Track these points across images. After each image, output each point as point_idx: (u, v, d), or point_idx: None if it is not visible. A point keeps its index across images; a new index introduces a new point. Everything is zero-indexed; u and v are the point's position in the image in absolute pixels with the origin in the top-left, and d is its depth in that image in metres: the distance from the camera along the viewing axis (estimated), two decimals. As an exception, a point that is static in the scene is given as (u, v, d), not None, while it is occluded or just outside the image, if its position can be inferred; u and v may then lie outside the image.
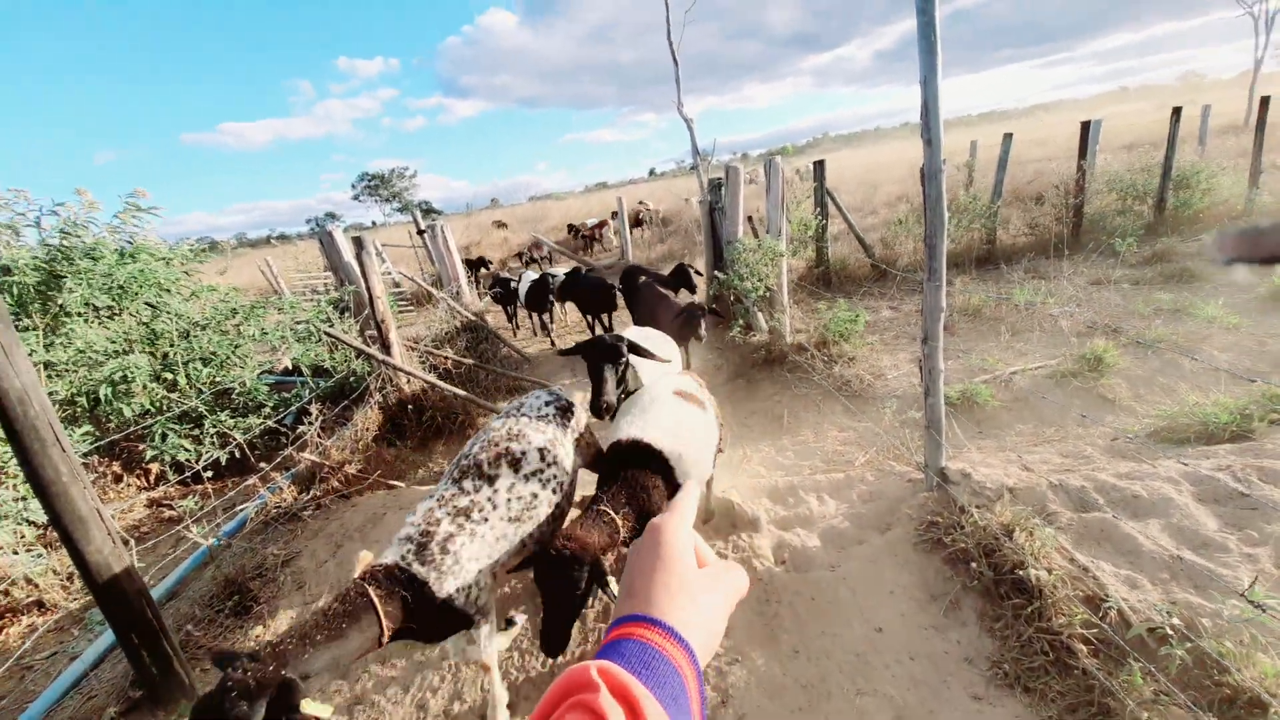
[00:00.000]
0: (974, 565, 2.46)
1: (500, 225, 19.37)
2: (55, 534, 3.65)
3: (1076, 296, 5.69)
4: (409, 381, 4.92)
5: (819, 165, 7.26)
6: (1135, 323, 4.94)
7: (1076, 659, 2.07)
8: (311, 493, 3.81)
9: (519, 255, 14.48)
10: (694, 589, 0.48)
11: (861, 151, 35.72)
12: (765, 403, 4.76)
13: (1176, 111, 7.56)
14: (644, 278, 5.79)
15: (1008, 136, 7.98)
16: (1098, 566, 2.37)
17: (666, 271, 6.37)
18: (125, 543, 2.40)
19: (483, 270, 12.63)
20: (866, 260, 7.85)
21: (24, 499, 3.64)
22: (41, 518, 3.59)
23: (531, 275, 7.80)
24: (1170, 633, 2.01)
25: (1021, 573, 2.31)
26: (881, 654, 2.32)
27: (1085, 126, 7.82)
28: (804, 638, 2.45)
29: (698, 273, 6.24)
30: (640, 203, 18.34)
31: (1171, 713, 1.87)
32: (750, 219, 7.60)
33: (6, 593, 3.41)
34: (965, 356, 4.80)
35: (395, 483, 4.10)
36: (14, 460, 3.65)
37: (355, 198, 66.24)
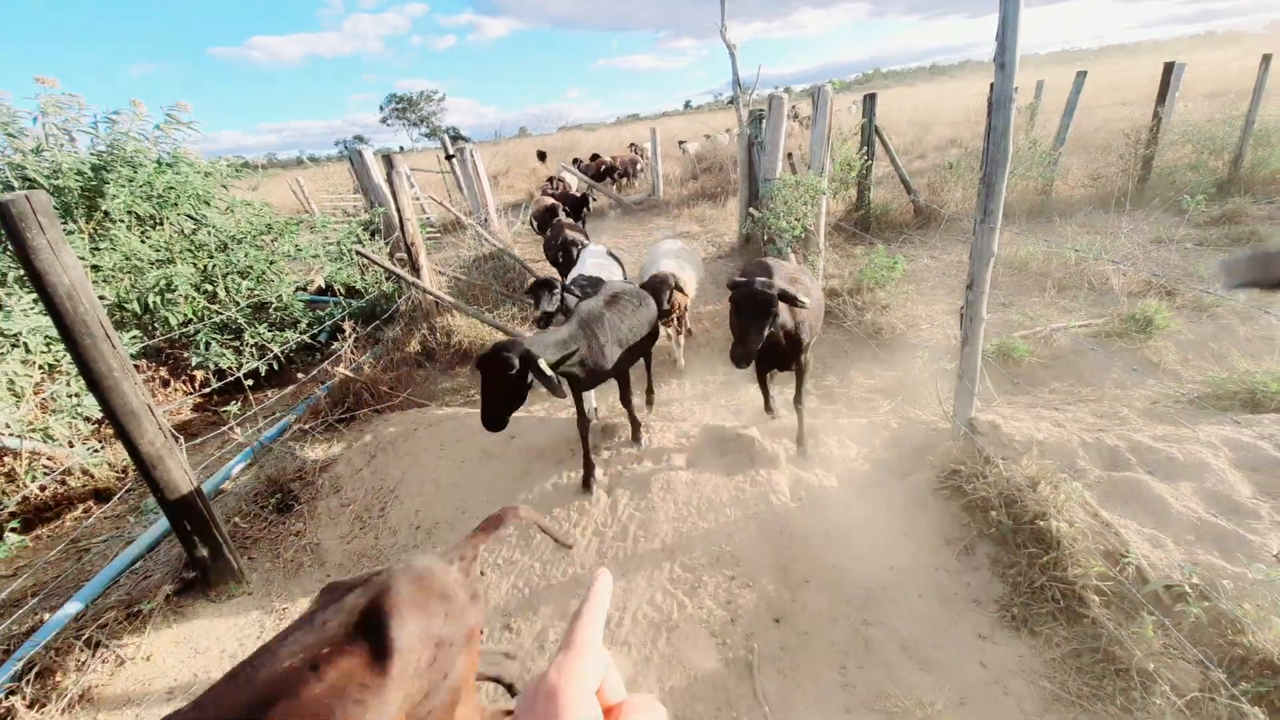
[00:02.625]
0: (993, 514, 2.46)
1: (542, 156, 18.27)
2: (110, 429, 3.89)
3: (1133, 254, 5.39)
4: (437, 305, 4.96)
5: (870, 99, 6.82)
6: (1193, 285, 4.68)
7: (1088, 608, 2.09)
8: (345, 406, 3.96)
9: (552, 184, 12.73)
10: None
11: (914, 90, 33.41)
12: (792, 346, 4.70)
13: (1266, 59, 6.83)
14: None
15: (1081, 74, 7.35)
16: (1121, 523, 2.35)
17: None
18: (175, 439, 2.53)
19: (585, 210, 9.03)
20: (909, 206, 7.50)
21: (78, 395, 3.84)
22: (94, 413, 3.81)
23: (593, 252, 4.67)
24: (1188, 591, 2.01)
25: (1041, 523, 2.31)
26: (891, 590, 2.38)
27: (1168, 69, 7.15)
28: (815, 569, 2.52)
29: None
30: (631, 145, 16.83)
31: (1179, 666, 1.89)
32: (790, 156, 7.27)
33: (63, 481, 3.67)
34: (1005, 310, 4.63)
35: (424, 401, 4.22)
36: (68, 358, 3.85)
37: (383, 120, 65.08)
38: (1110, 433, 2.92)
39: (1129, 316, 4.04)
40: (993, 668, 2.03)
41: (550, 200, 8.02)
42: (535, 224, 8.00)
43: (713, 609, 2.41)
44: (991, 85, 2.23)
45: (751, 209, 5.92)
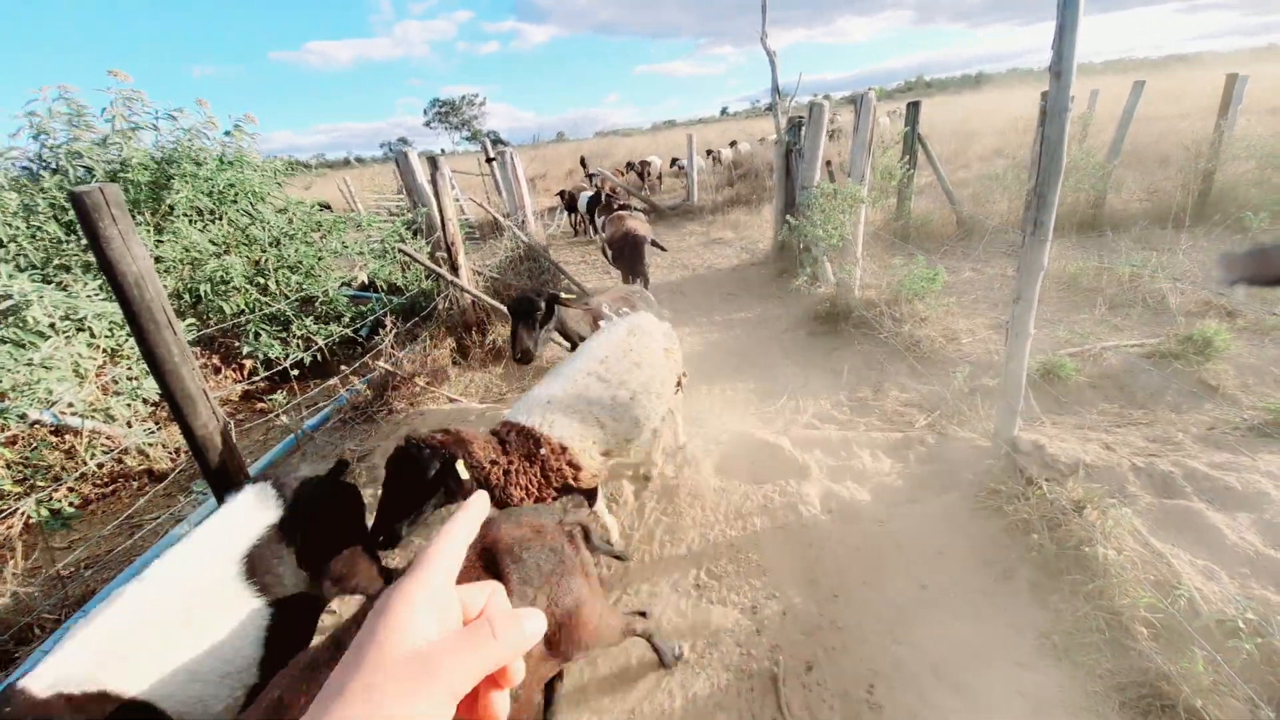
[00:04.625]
0: (1035, 537, 2.38)
1: (584, 163, 18.20)
2: (166, 411, 4.08)
3: (1192, 272, 5.14)
4: (474, 304, 5.06)
5: (913, 107, 6.70)
6: (1255, 306, 4.44)
7: (1135, 640, 2.00)
8: (384, 398, 4.08)
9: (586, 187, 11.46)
10: (377, 693, 0.34)
11: (959, 99, 32.60)
12: (824, 356, 4.64)
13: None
14: None
15: (1139, 84, 7.07)
16: (1173, 553, 2.25)
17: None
18: (226, 424, 2.64)
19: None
20: (951, 217, 7.32)
21: (136, 379, 4.05)
22: (152, 396, 4.00)
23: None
24: (1242, 626, 1.91)
25: (1087, 549, 2.23)
26: (923, 610, 2.32)
27: (1230, 81, 6.82)
28: (844, 584, 2.48)
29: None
30: (629, 164, 15.04)
31: (1228, 704, 1.80)
32: (829, 164, 7.18)
33: (120, 460, 3.86)
34: (1052, 327, 4.47)
35: (459, 398, 4.31)
36: (129, 343, 4.06)
37: (427, 124, 66.87)
38: (1163, 458, 2.79)
39: (1186, 337, 3.85)
40: (1031, 697, 1.96)
41: (632, 225, 5.60)
42: (608, 251, 5.89)
43: (738, 618, 2.39)
44: (1044, 94, 2.18)
45: (788, 217, 5.87)
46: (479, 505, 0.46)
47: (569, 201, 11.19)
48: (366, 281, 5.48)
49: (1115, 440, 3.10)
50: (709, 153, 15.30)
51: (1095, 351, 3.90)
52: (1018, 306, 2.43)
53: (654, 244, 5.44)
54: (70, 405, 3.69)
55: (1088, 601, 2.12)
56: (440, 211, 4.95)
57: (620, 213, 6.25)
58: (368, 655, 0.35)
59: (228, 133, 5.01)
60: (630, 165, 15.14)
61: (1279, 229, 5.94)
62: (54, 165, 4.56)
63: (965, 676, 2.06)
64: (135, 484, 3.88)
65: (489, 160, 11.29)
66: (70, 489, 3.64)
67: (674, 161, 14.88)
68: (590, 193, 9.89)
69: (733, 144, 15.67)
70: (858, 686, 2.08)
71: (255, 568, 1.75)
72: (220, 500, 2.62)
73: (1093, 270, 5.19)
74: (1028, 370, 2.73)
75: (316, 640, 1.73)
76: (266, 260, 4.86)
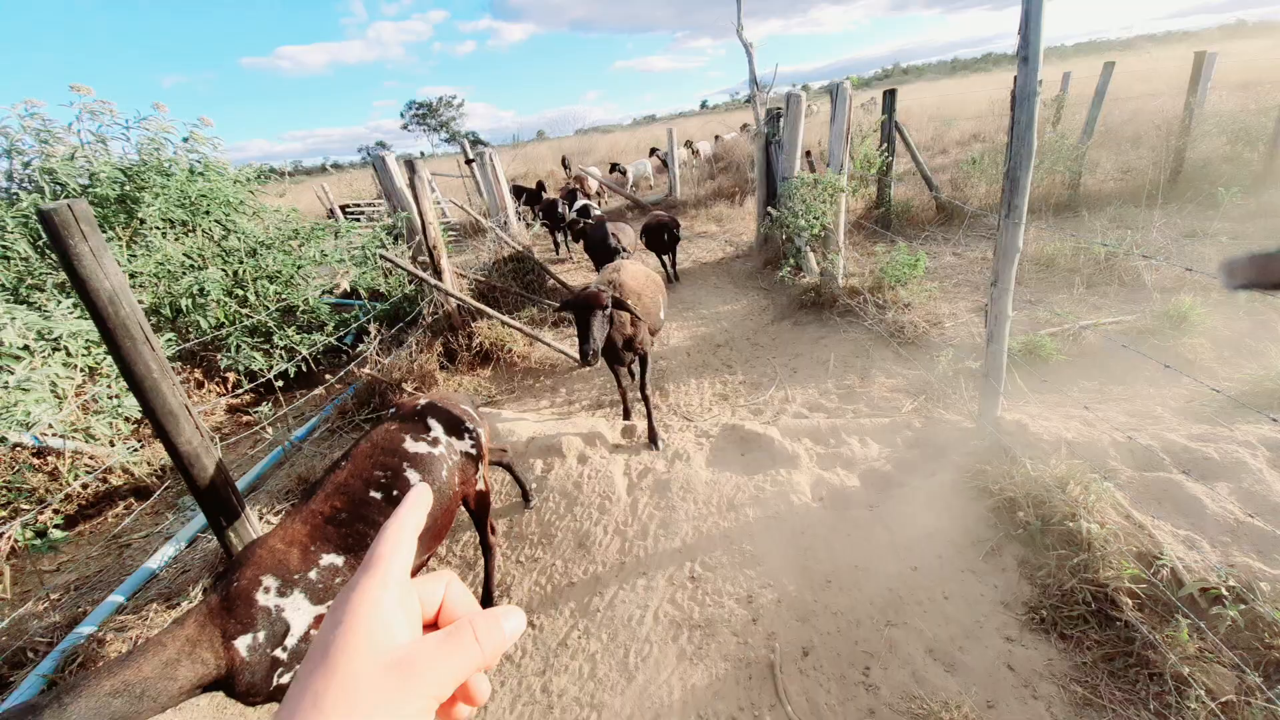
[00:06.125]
0: (1021, 514, 2.42)
1: (565, 163, 17.71)
2: (149, 428, 4.02)
3: (1166, 249, 5.24)
4: (459, 307, 5.04)
5: (889, 95, 6.75)
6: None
7: (1120, 612, 2.04)
8: (371, 406, 4.05)
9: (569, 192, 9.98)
10: (357, 700, 0.32)
11: (936, 86, 32.87)
12: (811, 346, 4.67)
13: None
14: None
15: (1109, 65, 7.18)
16: (1155, 525, 2.30)
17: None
18: (211, 438, 2.61)
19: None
20: (931, 203, 7.39)
21: (118, 396, 3.99)
22: (134, 413, 3.94)
23: None
24: (1225, 593, 1.96)
25: (1071, 525, 2.27)
26: (915, 591, 2.35)
27: (1199, 58, 6.94)
28: (837, 570, 2.51)
29: None
30: (576, 175, 13.27)
31: (1214, 670, 1.85)
32: (808, 154, 7.21)
33: (104, 479, 3.81)
34: (1032, 308, 4.54)
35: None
36: (107, 361, 3.99)
37: (404, 127, 66.17)
38: (1143, 432, 2.85)
39: (1162, 313, 3.93)
40: (1021, 671, 2.00)
41: (602, 280, 3.43)
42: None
43: (734, 608, 2.41)
44: (1015, 79, 2.20)
45: (769, 208, 5.90)
46: (420, 496, 0.44)
47: (548, 207, 8.88)
48: (349, 289, 5.43)
49: (1096, 417, 3.16)
50: (653, 151, 15.47)
51: (1074, 330, 3.97)
52: (996, 289, 2.46)
53: (620, 304, 3.12)
54: (50, 426, 3.63)
55: (1073, 575, 2.16)
56: (420, 215, 4.91)
57: (619, 264, 3.76)
58: (337, 659, 0.33)
59: (185, 139, 4.93)
60: (568, 183, 14.12)
61: (1250, 204, 6.07)
62: (28, 183, 4.47)
63: (957, 654, 2.09)
64: (121, 503, 3.82)
65: (468, 161, 11.22)
66: (55, 510, 3.58)
67: (613, 167, 14.84)
68: (583, 202, 8.44)
69: (687, 144, 15.50)
70: (853, 669, 2.11)
71: None
72: (209, 516, 2.59)
73: (1069, 251, 5.27)
74: (1009, 351, 2.77)
75: None
76: (244, 271, 4.80)
